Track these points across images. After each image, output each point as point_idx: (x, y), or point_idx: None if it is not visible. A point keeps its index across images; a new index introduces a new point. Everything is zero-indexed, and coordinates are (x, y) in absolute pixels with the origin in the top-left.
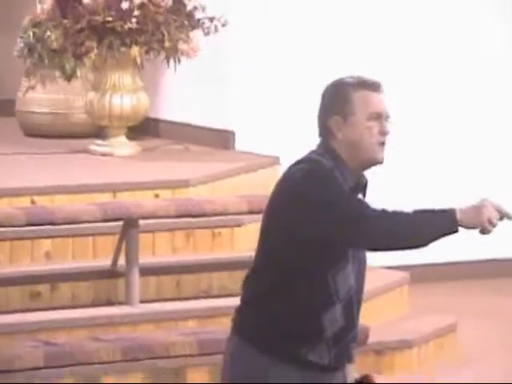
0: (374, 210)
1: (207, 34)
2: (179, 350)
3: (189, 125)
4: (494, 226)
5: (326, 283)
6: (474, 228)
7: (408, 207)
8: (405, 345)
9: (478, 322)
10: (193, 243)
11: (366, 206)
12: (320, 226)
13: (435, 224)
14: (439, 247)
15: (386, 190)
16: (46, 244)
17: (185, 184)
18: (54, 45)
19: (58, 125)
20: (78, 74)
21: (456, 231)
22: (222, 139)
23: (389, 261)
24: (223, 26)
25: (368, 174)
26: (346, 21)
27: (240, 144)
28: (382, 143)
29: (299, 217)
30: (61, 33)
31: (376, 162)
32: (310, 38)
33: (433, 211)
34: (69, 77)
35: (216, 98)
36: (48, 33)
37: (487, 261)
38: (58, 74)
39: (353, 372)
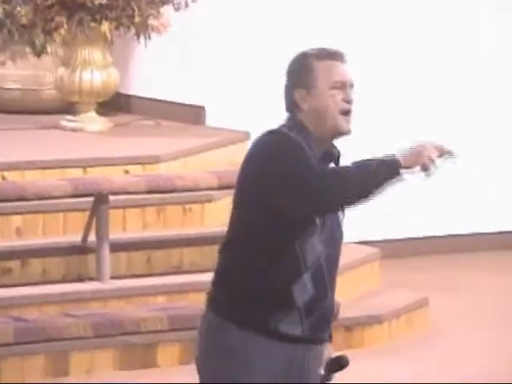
0: (326, 173)
1: (177, 9)
2: (150, 325)
3: (159, 100)
4: (433, 162)
5: (294, 252)
6: (414, 167)
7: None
8: (375, 320)
9: (449, 297)
10: (163, 219)
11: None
12: (286, 199)
13: (380, 171)
14: (411, 222)
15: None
16: (17, 220)
17: (155, 160)
18: (24, 20)
19: (28, 101)
20: (48, 49)
21: (399, 174)
22: (192, 115)
23: (360, 236)
24: (193, 1)
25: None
26: (321, 3)
27: (211, 119)
28: (347, 112)
29: (268, 189)
30: (30, 8)
31: (342, 130)
32: (279, 11)
33: (375, 160)
34: (39, 53)
35: (186, 73)
36: (18, 8)
37: (458, 236)
38: (28, 49)
39: (330, 351)
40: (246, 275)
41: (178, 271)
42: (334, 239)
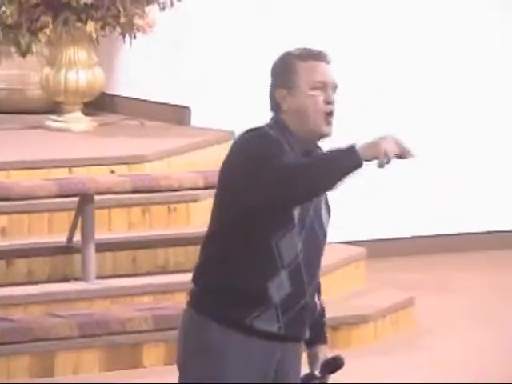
0: (292, 163)
1: (163, 9)
2: (135, 325)
3: (145, 100)
4: (388, 158)
5: (270, 249)
6: (371, 159)
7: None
8: (361, 320)
9: (434, 297)
10: (149, 219)
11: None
12: (255, 187)
13: (342, 163)
14: (396, 222)
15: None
16: (2, 220)
17: (141, 159)
18: (9, 20)
19: (13, 100)
20: (34, 49)
21: (359, 164)
22: (177, 115)
23: (346, 236)
24: (179, 1)
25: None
26: (310, 2)
27: (196, 120)
28: (328, 113)
29: (242, 182)
30: (16, 8)
31: (322, 132)
32: (266, 12)
33: (338, 151)
34: (24, 52)
35: (172, 73)
36: (3, 8)
37: (444, 235)
38: (13, 49)
39: (326, 352)
40: (223, 272)
41: (164, 271)
42: (316, 239)
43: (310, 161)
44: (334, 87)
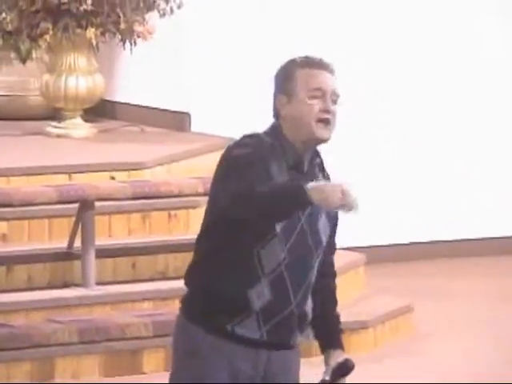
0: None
1: (163, 15)
2: (135, 331)
3: (145, 107)
4: (332, 207)
5: (251, 257)
6: (318, 203)
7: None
8: (360, 325)
9: (433, 303)
10: (149, 225)
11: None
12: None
13: (290, 198)
14: (396, 228)
15: (386, 196)
16: (2, 226)
17: (141, 166)
18: (9, 26)
19: (13, 107)
20: (34, 55)
21: (307, 204)
22: (177, 121)
23: (345, 242)
24: (179, 7)
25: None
26: (309, 7)
27: (196, 126)
28: (325, 121)
29: (217, 185)
30: (16, 14)
31: (317, 139)
32: (265, 18)
33: (289, 186)
34: (24, 59)
35: (172, 79)
36: (3, 14)
37: (443, 242)
38: (13, 55)
39: (337, 358)
40: (207, 278)
41: (164, 277)
42: (306, 249)
43: (266, 189)
44: (335, 96)
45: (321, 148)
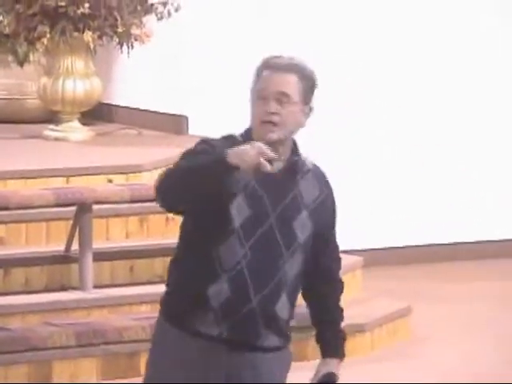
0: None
1: (160, 18)
2: (133, 335)
3: (142, 110)
4: (248, 164)
5: (210, 254)
6: (241, 165)
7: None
8: (357, 329)
9: (432, 306)
10: (146, 228)
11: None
12: None
13: (211, 167)
14: (393, 231)
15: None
16: (0, 229)
17: (138, 169)
18: (7, 29)
19: (10, 110)
20: (31, 58)
21: (228, 171)
22: (175, 124)
23: (342, 245)
24: (176, 10)
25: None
26: (308, 8)
27: (193, 129)
28: (266, 122)
29: None
30: (13, 17)
31: (264, 140)
32: (264, 21)
33: (210, 156)
34: (21, 62)
35: (169, 82)
36: (0, 17)
37: (441, 245)
38: (10, 58)
39: (329, 367)
40: (175, 274)
41: (161, 280)
42: (273, 246)
43: (185, 163)
44: (281, 96)
45: (321, 149)
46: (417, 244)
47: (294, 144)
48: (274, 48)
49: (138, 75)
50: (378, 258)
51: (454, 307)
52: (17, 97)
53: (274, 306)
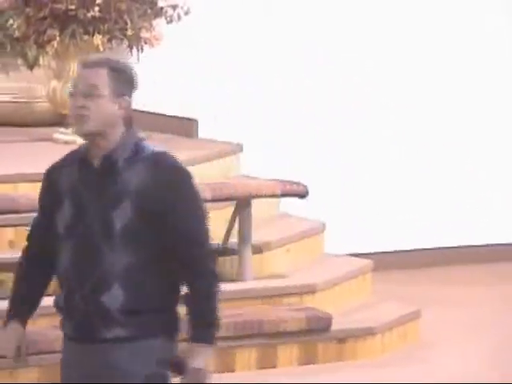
0: None
1: (170, 22)
2: None
3: (152, 113)
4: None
5: (56, 261)
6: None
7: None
8: (368, 332)
9: (441, 310)
10: None
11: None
12: None
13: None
14: (403, 234)
15: (393, 202)
16: (10, 232)
17: None
18: (17, 33)
19: (20, 113)
20: (41, 62)
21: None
22: (184, 127)
23: (352, 248)
24: (186, 14)
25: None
26: (316, 11)
27: (203, 132)
28: (77, 116)
29: None
30: (23, 21)
31: (78, 134)
32: (273, 23)
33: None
34: (31, 65)
35: (179, 86)
36: (10, 21)
37: (450, 248)
38: (20, 62)
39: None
40: None
41: None
42: (93, 238)
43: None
44: (88, 88)
45: (328, 149)
46: (426, 247)
47: (133, 134)
48: (283, 49)
49: (147, 78)
50: (388, 262)
51: (464, 311)
52: (26, 100)
53: (101, 298)
